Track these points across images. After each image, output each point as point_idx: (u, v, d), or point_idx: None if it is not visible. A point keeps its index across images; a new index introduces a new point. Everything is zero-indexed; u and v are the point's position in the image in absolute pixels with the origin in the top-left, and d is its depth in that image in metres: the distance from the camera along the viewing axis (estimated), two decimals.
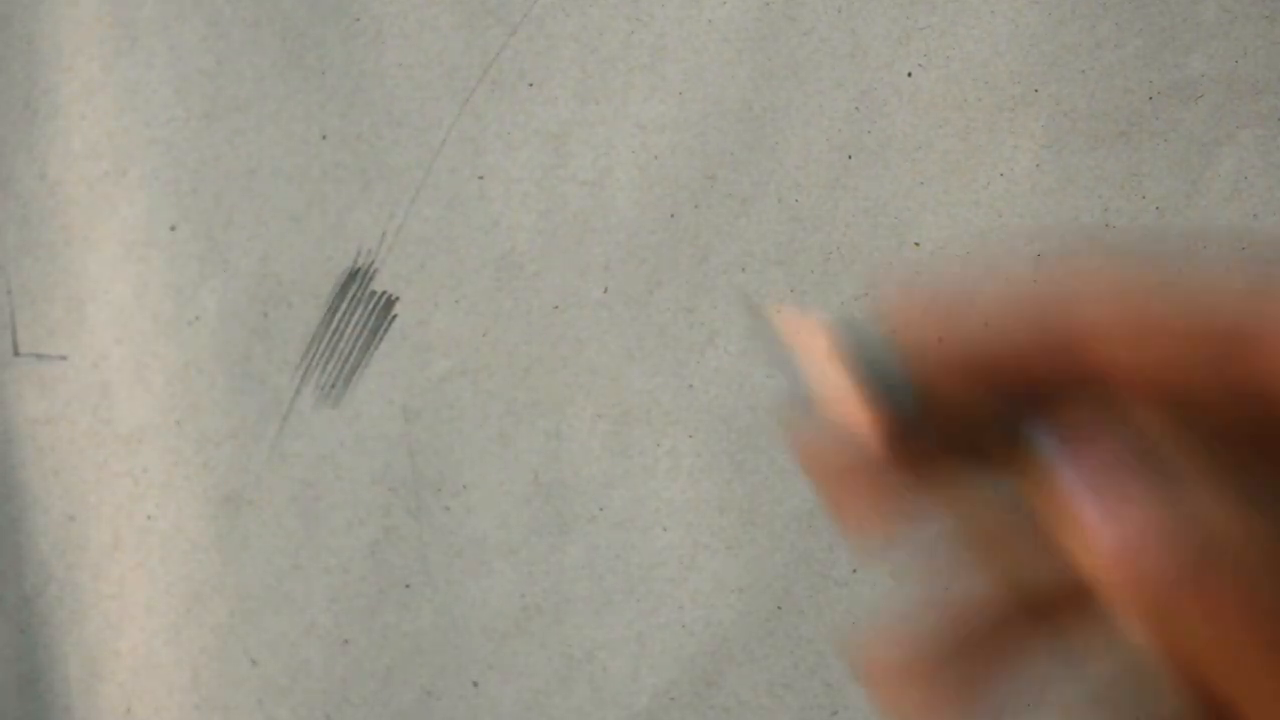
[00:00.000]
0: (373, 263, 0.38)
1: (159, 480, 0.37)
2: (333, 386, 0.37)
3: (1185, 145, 0.39)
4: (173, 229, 0.38)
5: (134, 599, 0.37)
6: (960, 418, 0.17)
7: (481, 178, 0.38)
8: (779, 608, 0.37)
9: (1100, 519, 0.18)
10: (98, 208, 0.38)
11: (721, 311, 0.38)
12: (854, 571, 0.37)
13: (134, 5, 0.38)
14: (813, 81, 0.37)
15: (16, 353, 0.37)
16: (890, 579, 0.37)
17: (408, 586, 0.37)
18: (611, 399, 0.38)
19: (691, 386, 0.38)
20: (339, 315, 0.38)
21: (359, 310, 0.38)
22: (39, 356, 0.37)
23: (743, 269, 0.38)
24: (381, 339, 0.38)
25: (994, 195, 0.39)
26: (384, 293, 0.38)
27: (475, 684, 0.37)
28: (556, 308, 0.38)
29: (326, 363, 0.38)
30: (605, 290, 0.38)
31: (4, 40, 0.38)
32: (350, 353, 0.38)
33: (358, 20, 0.38)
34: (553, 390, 0.38)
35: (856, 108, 0.37)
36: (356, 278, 0.38)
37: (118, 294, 0.37)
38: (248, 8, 0.38)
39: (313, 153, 0.38)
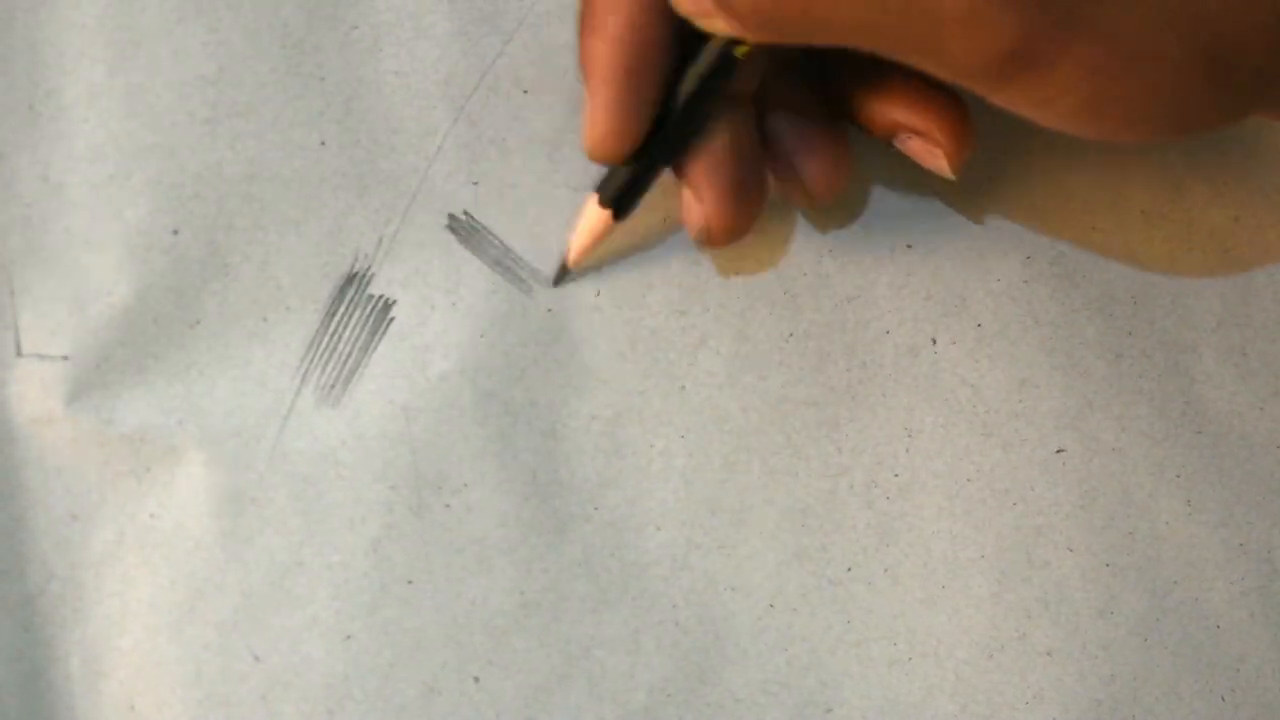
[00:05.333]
0: (369, 267, 0.42)
1: (161, 479, 0.41)
2: (333, 387, 0.41)
3: (1167, 151, 0.43)
4: (175, 233, 0.41)
5: (137, 597, 0.40)
6: None
7: (476, 183, 0.42)
8: (771, 606, 0.41)
9: None
10: (100, 210, 0.41)
11: (713, 314, 0.42)
12: (848, 570, 0.41)
13: (137, 11, 0.42)
14: None
15: (19, 353, 0.41)
16: (883, 575, 0.41)
17: (409, 583, 0.41)
18: (605, 400, 0.42)
19: (684, 388, 0.42)
20: (337, 318, 0.41)
21: (357, 313, 0.41)
22: (41, 357, 0.41)
23: (735, 272, 0.42)
24: (380, 340, 0.41)
25: (983, 198, 0.43)
26: (381, 296, 0.42)
27: (476, 679, 0.41)
28: (550, 310, 0.42)
29: (326, 364, 0.41)
30: (598, 293, 0.42)
31: (7, 44, 0.42)
32: (349, 354, 0.41)
33: (355, 28, 0.42)
34: (548, 391, 0.42)
35: None
36: (354, 281, 0.42)
37: (120, 296, 0.41)
38: (248, 15, 0.42)
39: (311, 158, 0.42)
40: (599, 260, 0.42)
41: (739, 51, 0.36)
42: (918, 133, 0.38)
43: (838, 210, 0.42)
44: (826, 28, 0.32)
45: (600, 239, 0.40)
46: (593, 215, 0.40)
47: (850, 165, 0.40)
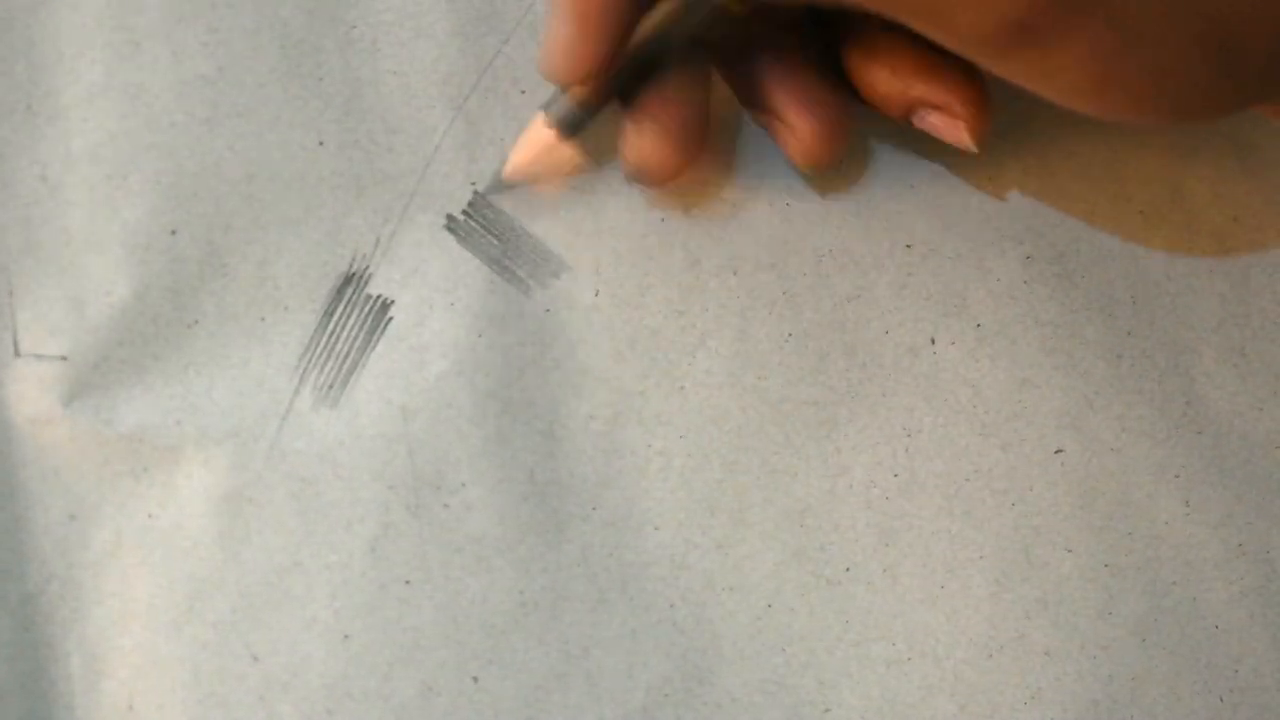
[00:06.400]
0: (367, 267, 0.42)
1: (160, 479, 0.41)
2: (331, 387, 0.42)
3: (1167, 151, 0.43)
4: (173, 233, 0.42)
5: (135, 596, 0.41)
6: None
7: (474, 184, 0.43)
8: (769, 606, 0.42)
9: None
10: (99, 211, 0.42)
11: (713, 314, 0.43)
12: (846, 570, 0.42)
13: (136, 11, 0.42)
14: None
15: (17, 353, 0.41)
16: (884, 578, 0.42)
17: (407, 583, 0.41)
18: (603, 400, 0.42)
19: (683, 388, 0.42)
20: (335, 318, 0.42)
21: (355, 313, 0.42)
22: (39, 357, 0.41)
23: (734, 272, 0.43)
24: (378, 341, 0.42)
25: (983, 198, 0.43)
26: (379, 296, 0.42)
27: (475, 679, 0.41)
28: (548, 310, 0.42)
29: (324, 364, 0.42)
30: (596, 293, 0.43)
31: (6, 43, 0.42)
32: (348, 354, 0.42)
33: (354, 28, 0.43)
34: (546, 391, 0.42)
35: None
36: (352, 282, 0.42)
37: (118, 296, 0.42)
38: (248, 16, 0.43)
39: (310, 159, 0.43)
40: (537, 179, 0.42)
41: (733, 7, 0.37)
42: (936, 107, 0.39)
43: (839, 196, 0.43)
44: None
45: (541, 157, 0.41)
46: (537, 131, 0.40)
47: (847, 129, 0.40)
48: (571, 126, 0.40)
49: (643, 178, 0.40)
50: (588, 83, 0.39)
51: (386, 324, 0.42)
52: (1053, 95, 0.33)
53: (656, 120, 0.39)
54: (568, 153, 0.41)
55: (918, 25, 0.33)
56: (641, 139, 0.39)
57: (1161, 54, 0.31)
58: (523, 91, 0.43)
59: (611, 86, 0.39)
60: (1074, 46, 0.31)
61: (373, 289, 0.42)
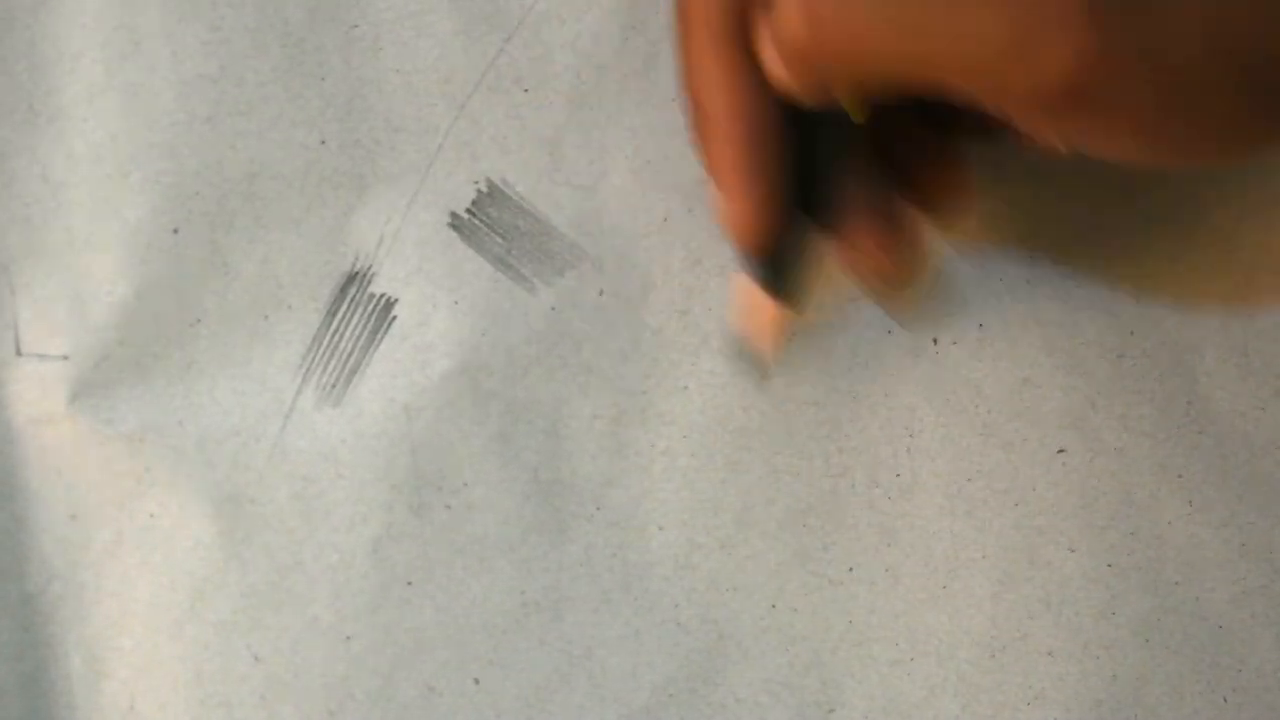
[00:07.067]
0: (370, 266, 0.42)
1: (161, 479, 0.41)
2: (333, 386, 0.42)
3: None
4: (175, 232, 0.42)
5: (137, 596, 0.41)
6: None
7: (476, 183, 0.43)
8: (773, 606, 0.42)
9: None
10: (100, 210, 0.42)
11: (715, 314, 0.43)
12: (849, 570, 0.42)
13: (137, 10, 0.42)
14: None
15: (19, 353, 0.41)
16: (885, 574, 0.42)
17: (409, 583, 0.41)
18: (607, 399, 0.42)
19: (686, 388, 0.43)
20: (339, 317, 0.42)
21: (358, 312, 0.42)
22: (41, 356, 0.41)
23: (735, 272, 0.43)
24: (381, 340, 0.42)
25: (983, 199, 0.43)
26: (383, 295, 0.42)
27: (477, 680, 0.41)
28: (553, 309, 0.43)
29: (327, 363, 0.42)
30: (600, 293, 0.43)
31: (7, 43, 0.42)
32: (351, 353, 0.42)
33: (356, 27, 0.43)
34: (550, 390, 0.42)
35: None
36: (355, 280, 0.42)
37: (120, 295, 0.42)
38: (249, 14, 0.43)
39: (312, 158, 0.43)
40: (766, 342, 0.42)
41: (855, 115, 0.36)
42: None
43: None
44: (876, 59, 0.32)
45: (786, 328, 0.41)
46: (771, 311, 0.40)
47: (903, 249, 0.40)
48: (793, 287, 0.40)
49: (894, 283, 0.40)
50: (781, 240, 0.38)
51: (390, 323, 0.42)
52: (1107, 152, 0.33)
53: (871, 232, 0.39)
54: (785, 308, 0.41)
55: (970, 89, 0.32)
56: (870, 256, 0.39)
57: (1206, 101, 0.31)
58: (525, 90, 0.43)
59: (810, 231, 0.38)
60: (1125, 103, 0.31)
61: (376, 288, 0.42)
